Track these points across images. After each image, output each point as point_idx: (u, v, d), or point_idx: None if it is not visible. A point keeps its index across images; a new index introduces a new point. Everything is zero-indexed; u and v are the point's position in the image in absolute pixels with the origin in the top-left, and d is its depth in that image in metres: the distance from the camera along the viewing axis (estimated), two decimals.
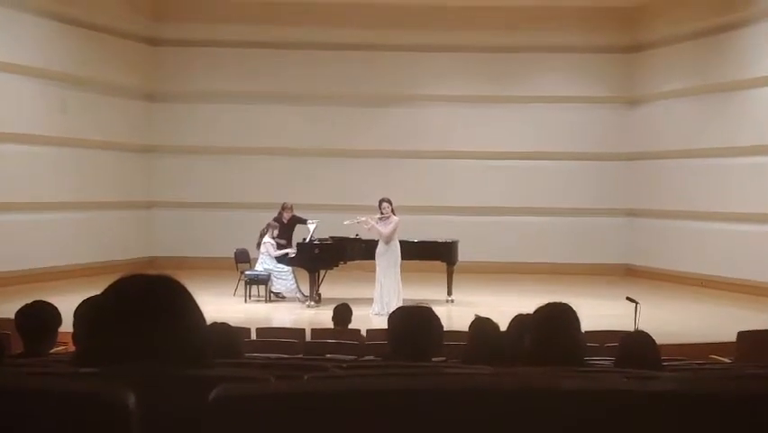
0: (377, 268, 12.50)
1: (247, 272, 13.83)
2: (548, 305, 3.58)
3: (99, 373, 1.65)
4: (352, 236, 13.34)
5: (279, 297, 13.80)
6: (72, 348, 5.92)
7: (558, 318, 3.53)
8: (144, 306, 1.79)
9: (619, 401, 1.14)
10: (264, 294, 13.69)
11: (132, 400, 1.20)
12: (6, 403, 1.24)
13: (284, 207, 14.40)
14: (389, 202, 12.64)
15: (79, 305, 4.29)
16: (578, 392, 1.15)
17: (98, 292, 1.88)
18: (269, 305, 13.48)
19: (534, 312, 3.59)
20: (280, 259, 13.67)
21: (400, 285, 12.42)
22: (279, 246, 13.84)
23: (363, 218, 12.78)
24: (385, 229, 12.49)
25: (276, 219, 14.16)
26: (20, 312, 4.75)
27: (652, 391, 1.12)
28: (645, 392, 1.12)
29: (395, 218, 12.55)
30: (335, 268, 13.45)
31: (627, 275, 17.81)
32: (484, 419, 1.15)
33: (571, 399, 1.15)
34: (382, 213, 12.59)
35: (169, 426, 1.42)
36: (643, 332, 4.20)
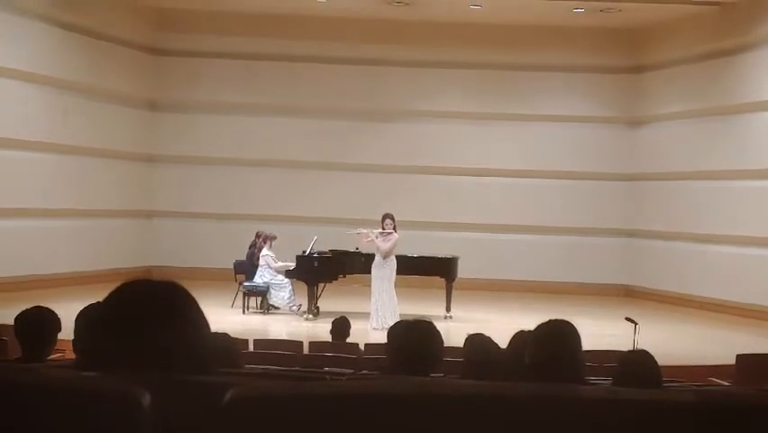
0: (372, 281, 12.51)
1: (245, 284, 13.80)
2: (550, 321, 3.56)
3: (102, 377, 1.64)
4: (352, 250, 13.34)
5: (275, 308, 13.74)
6: (70, 355, 5.90)
7: (560, 335, 3.50)
8: (148, 311, 1.77)
9: (641, 409, 1.13)
10: (263, 306, 13.67)
11: (147, 399, 1.19)
12: (18, 399, 1.23)
13: (269, 237, 14.23)
14: (392, 219, 12.64)
15: (80, 312, 4.27)
16: (595, 400, 1.14)
17: (97, 300, 1.86)
18: (267, 317, 13.46)
19: (536, 328, 3.56)
20: (280, 271, 13.66)
21: (395, 300, 12.42)
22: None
23: (365, 231, 12.80)
24: (384, 245, 12.50)
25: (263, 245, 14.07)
26: (19, 317, 4.73)
27: (673, 402, 1.11)
28: (666, 402, 1.11)
29: (395, 235, 12.56)
30: (334, 281, 13.44)
31: (626, 296, 17.78)
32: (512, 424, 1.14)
33: (588, 406, 1.14)
34: (384, 228, 12.59)
35: (178, 429, 1.41)
36: (643, 350, 4.14)
